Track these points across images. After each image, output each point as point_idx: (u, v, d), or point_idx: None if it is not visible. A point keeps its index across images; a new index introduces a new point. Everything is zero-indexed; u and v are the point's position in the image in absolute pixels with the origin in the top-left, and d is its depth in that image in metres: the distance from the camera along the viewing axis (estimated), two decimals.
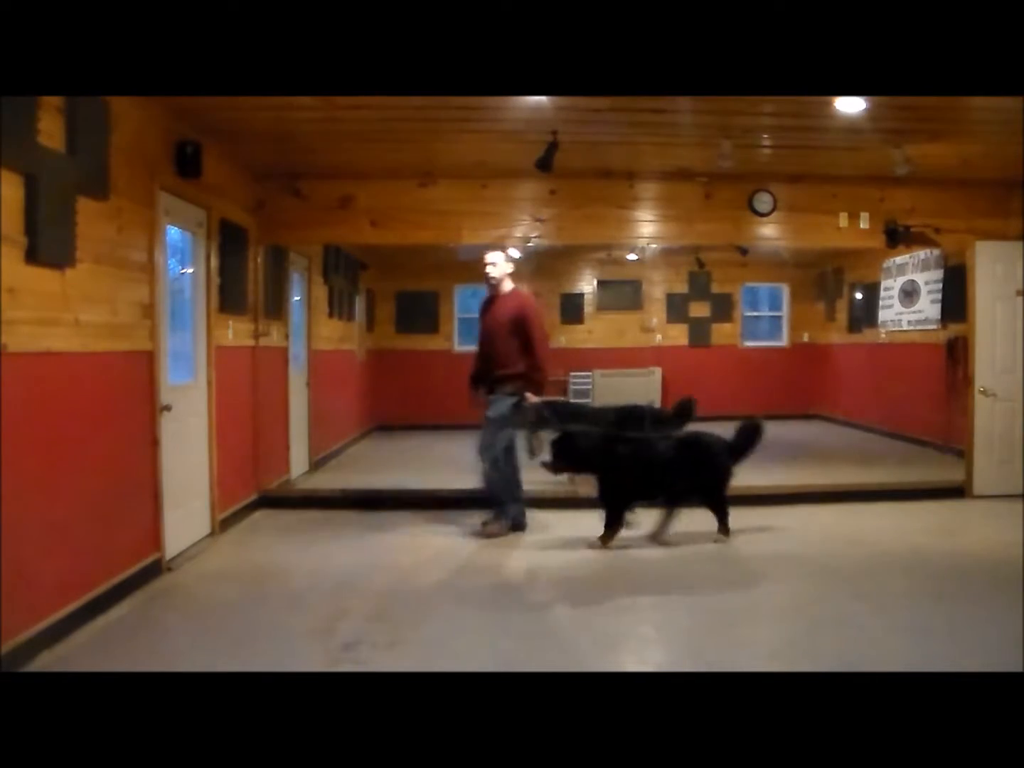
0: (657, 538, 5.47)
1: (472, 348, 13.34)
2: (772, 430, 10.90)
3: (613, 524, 5.35)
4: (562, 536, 5.69)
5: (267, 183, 6.49)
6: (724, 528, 5.51)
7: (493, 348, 5.64)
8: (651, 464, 5.45)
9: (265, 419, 6.63)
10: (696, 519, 5.56)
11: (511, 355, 5.57)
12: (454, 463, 8.62)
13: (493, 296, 5.79)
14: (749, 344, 12.71)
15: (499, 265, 5.67)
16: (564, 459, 5.41)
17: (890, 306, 10.11)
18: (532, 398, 5.61)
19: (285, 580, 4.67)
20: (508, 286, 5.72)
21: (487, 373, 5.70)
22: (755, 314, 13.09)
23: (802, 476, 7.50)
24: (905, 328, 9.77)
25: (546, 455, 5.49)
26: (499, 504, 5.69)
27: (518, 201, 6.68)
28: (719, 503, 5.55)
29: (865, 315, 10.94)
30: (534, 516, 5.87)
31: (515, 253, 9.28)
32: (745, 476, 7.60)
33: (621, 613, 4.16)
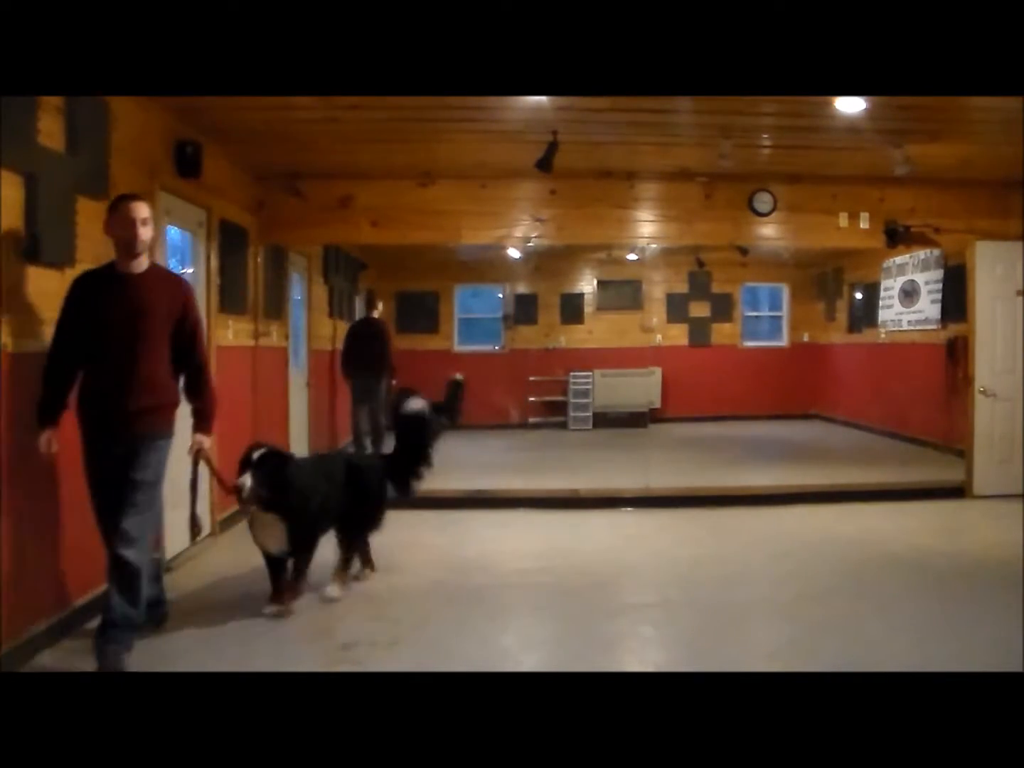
0: (350, 577, 4.55)
1: (473, 348, 13.15)
2: (772, 430, 11.04)
3: (303, 576, 4.22)
4: (564, 536, 5.70)
5: (267, 183, 6.49)
6: (368, 561, 4.69)
7: (127, 359, 3.40)
8: (331, 494, 4.38)
9: (265, 419, 6.63)
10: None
11: (160, 372, 3.50)
12: (454, 463, 8.64)
13: (115, 274, 3.46)
14: (749, 344, 12.71)
15: (150, 225, 3.49)
16: (271, 488, 3.91)
17: (890, 306, 10.11)
18: (204, 442, 3.65)
19: None
20: (146, 262, 3.52)
21: (107, 400, 3.40)
22: (755, 314, 13.09)
23: (802, 476, 7.51)
24: (905, 328, 9.77)
25: (247, 480, 3.87)
26: (131, 608, 3.38)
27: (518, 201, 6.69)
28: (361, 537, 4.63)
29: (865, 315, 10.95)
30: (533, 516, 5.85)
31: (516, 253, 9.38)
32: (746, 476, 7.64)
33: (621, 614, 4.17)
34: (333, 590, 4.32)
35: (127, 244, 3.43)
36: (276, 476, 3.93)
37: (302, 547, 4.17)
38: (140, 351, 3.43)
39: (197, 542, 4.82)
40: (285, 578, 4.16)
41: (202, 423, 3.67)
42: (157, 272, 3.60)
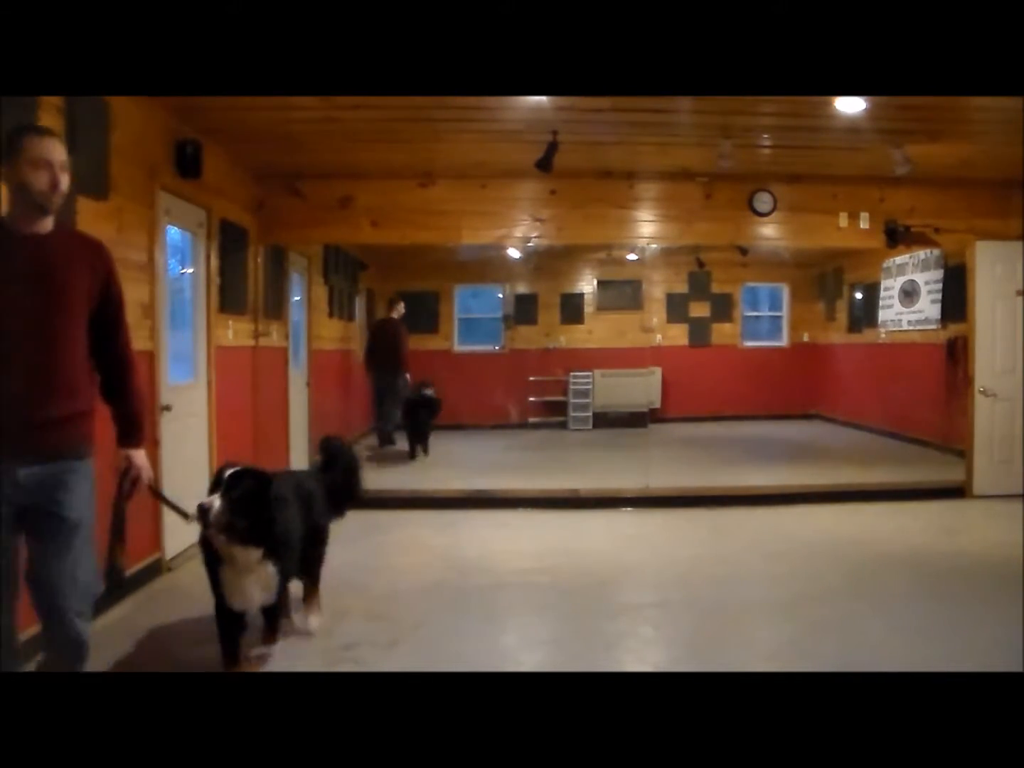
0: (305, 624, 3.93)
1: (473, 348, 13.34)
2: (772, 430, 11.05)
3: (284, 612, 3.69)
4: (564, 536, 5.70)
5: (267, 183, 6.50)
6: (316, 601, 3.96)
7: (35, 350, 2.47)
8: (313, 520, 3.78)
9: (265, 419, 6.64)
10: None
11: (79, 368, 2.58)
12: (454, 463, 8.65)
13: (12, 235, 2.48)
14: (749, 344, 12.71)
15: (68, 174, 2.55)
16: (249, 516, 3.10)
17: (890, 306, 10.11)
18: (139, 459, 2.72)
19: None
20: (51, 222, 2.55)
21: (9, 407, 2.42)
22: (755, 314, 13.09)
23: (802, 476, 7.52)
24: (905, 328, 9.78)
25: (215, 501, 3.05)
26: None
27: (518, 201, 6.69)
28: (317, 568, 3.96)
29: (865, 315, 10.95)
30: (533, 517, 5.85)
31: (516, 253, 9.41)
32: (745, 476, 7.64)
33: (621, 614, 4.17)
34: (315, 620, 3.91)
35: (39, 196, 2.46)
36: (255, 501, 3.11)
37: (284, 587, 3.51)
38: (53, 339, 2.50)
39: (116, 592, 4.11)
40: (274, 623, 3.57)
41: (131, 433, 2.72)
42: (68, 235, 2.67)
